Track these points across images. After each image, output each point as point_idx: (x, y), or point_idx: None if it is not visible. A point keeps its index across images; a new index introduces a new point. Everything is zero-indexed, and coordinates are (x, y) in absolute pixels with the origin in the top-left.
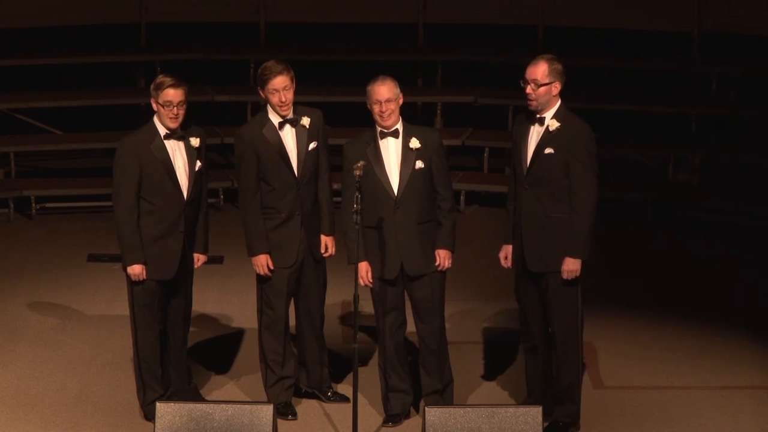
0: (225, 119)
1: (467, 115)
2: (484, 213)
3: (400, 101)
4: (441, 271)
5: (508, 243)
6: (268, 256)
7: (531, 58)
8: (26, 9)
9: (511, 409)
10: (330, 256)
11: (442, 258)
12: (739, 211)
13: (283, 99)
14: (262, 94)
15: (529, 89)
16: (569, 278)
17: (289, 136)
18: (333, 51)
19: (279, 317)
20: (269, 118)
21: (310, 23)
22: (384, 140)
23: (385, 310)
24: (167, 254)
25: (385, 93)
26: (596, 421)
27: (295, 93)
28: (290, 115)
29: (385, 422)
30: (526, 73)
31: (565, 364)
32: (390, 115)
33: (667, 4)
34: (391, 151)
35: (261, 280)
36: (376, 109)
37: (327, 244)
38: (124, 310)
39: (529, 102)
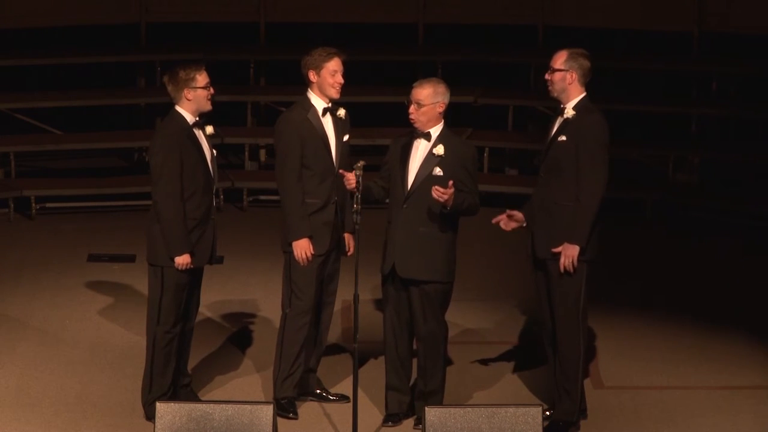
0: (225, 119)
1: (467, 115)
2: (484, 213)
3: (439, 109)
4: (437, 282)
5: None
6: (309, 240)
7: (531, 58)
8: (26, 9)
9: (511, 409)
10: (352, 255)
11: (444, 190)
12: (739, 211)
13: (340, 80)
14: (313, 77)
15: (547, 74)
16: (566, 263)
17: (330, 125)
18: None
19: (307, 307)
20: (312, 104)
21: (310, 23)
22: (417, 140)
23: (386, 306)
24: (204, 241)
25: (415, 94)
26: (596, 421)
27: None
28: (330, 104)
29: (385, 422)
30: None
31: (565, 361)
32: (416, 117)
33: (667, 4)
34: (418, 152)
35: (293, 267)
36: (407, 106)
37: (350, 243)
38: (124, 310)
39: (548, 88)
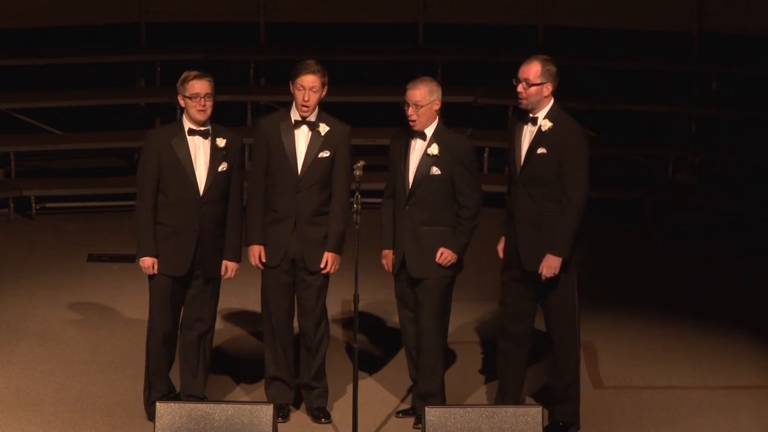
0: (225, 119)
1: (467, 115)
2: (484, 213)
3: (435, 107)
4: (439, 277)
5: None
6: (262, 248)
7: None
8: (26, 9)
9: (511, 409)
10: (328, 273)
11: (444, 255)
12: (739, 211)
13: (306, 98)
14: (291, 87)
15: (520, 88)
16: (548, 275)
17: (302, 137)
18: (333, 51)
19: (270, 314)
20: (289, 114)
21: (310, 23)
22: (413, 140)
23: (399, 303)
24: (179, 251)
25: (411, 96)
26: (596, 421)
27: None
28: (311, 118)
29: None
30: (519, 71)
31: (564, 363)
32: (416, 118)
33: (667, 4)
34: (415, 151)
35: (261, 274)
36: (405, 109)
37: (327, 260)
38: (124, 310)
39: (519, 101)
